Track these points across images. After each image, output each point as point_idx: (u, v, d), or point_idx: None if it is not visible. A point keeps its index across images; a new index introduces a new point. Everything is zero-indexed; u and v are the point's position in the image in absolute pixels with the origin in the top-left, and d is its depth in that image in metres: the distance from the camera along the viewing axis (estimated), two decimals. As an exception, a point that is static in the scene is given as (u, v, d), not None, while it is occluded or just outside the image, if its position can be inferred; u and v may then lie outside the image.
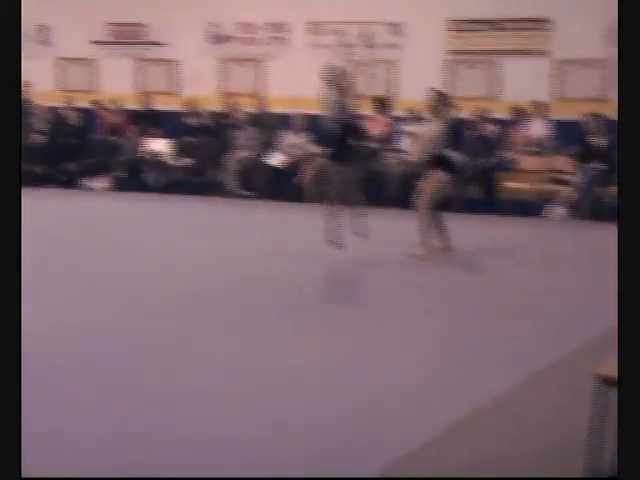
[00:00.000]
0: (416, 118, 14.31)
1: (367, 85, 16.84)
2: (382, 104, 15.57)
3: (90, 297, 8.09)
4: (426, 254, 10.06)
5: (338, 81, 10.19)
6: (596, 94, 15.22)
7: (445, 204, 10.76)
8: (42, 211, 13.54)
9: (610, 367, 4.27)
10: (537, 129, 14.86)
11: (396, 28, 16.61)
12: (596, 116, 13.69)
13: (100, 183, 16.03)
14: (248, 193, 15.42)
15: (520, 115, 15.03)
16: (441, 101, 10.29)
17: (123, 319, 7.37)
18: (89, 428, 5.00)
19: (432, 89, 10.64)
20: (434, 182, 10.19)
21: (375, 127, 15.36)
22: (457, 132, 14.45)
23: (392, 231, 11.37)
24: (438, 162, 10.20)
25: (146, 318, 7.42)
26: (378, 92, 16.29)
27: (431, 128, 10.16)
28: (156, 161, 15.96)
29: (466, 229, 10.70)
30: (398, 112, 15.58)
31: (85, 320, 7.30)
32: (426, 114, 10.51)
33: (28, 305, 7.50)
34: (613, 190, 13.15)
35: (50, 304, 7.80)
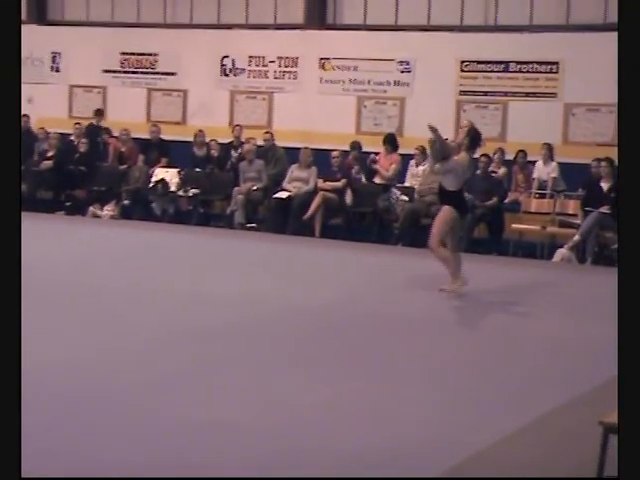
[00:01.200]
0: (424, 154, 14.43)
1: (376, 122, 16.95)
2: (393, 142, 15.62)
3: (90, 326, 8.04)
4: (457, 288, 10.04)
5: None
6: (605, 138, 15.28)
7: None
8: (48, 236, 13.57)
9: (614, 415, 4.26)
10: (545, 172, 14.89)
11: (407, 66, 16.69)
12: (604, 160, 13.71)
13: (107, 211, 16.05)
14: (254, 225, 15.44)
15: (521, 158, 15.07)
16: (475, 137, 10.18)
17: (121, 351, 7.35)
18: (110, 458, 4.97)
19: (469, 122, 10.57)
20: (444, 216, 10.09)
21: (386, 164, 15.42)
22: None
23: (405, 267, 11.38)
24: (454, 197, 10.11)
25: (147, 352, 7.39)
26: (388, 129, 16.37)
27: (459, 162, 10.01)
28: (163, 191, 15.98)
29: (471, 269, 10.66)
30: (407, 149, 15.62)
31: (82, 349, 7.28)
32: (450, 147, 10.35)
33: (32, 332, 7.54)
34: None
35: (54, 331, 7.77)
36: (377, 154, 15.69)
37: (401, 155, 15.63)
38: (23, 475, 3.63)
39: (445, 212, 10.06)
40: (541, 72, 15.88)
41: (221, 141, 16.79)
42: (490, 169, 14.67)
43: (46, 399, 5.86)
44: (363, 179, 15.47)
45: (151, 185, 16.18)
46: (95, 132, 17.65)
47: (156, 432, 5.39)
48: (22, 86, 18.80)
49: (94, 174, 16.88)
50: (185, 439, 5.26)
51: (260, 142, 16.38)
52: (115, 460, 4.91)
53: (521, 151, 15.09)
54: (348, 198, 15.12)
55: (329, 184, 15.12)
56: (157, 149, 17.04)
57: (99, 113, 18.04)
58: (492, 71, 16.18)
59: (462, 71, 16.33)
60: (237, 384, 6.46)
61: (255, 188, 15.61)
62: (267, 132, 16.69)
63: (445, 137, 10.54)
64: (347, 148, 15.85)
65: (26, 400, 5.46)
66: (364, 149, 15.89)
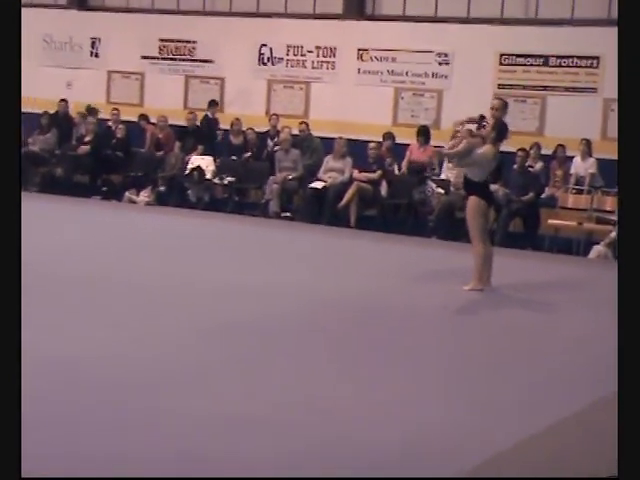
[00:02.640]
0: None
1: (413, 114, 16.90)
2: (427, 134, 15.57)
3: (120, 317, 8.03)
4: (476, 286, 9.96)
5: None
6: (644, 135, 15.13)
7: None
8: (84, 220, 13.65)
9: None
10: (583, 167, 14.78)
11: (446, 58, 16.61)
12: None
13: (142, 197, 16.12)
14: (289, 215, 15.45)
15: (560, 153, 14.97)
16: (501, 129, 10.13)
17: (157, 342, 7.37)
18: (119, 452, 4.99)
19: (500, 102, 10.48)
20: (471, 207, 10.03)
21: (421, 156, 15.36)
22: (502, 166, 14.45)
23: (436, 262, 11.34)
24: (479, 188, 10.07)
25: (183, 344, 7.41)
26: (424, 121, 16.31)
27: (484, 154, 9.97)
28: (199, 178, 16.03)
29: (506, 264, 10.60)
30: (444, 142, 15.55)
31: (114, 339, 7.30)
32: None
33: (69, 324, 7.57)
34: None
35: (85, 324, 7.79)
36: (408, 145, 15.65)
37: (437, 147, 15.56)
38: (23, 475, 3.61)
39: (472, 202, 10.00)
40: (581, 67, 15.76)
41: (258, 130, 16.80)
42: (527, 164, 14.58)
43: (68, 392, 5.86)
44: (396, 170, 15.42)
45: (187, 172, 16.23)
46: (210, 124, 17.27)
47: (176, 427, 5.37)
48: (61, 71, 19.10)
49: (131, 160, 16.97)
50: (202, 434, 5.24)
51: (295, 132, 16.37)
52: (130, 454, 4.89)
53: (560, 145, 14.98)
54: (383, 189, 15.10)
55: (364, 175, 15.09)
56: (194, 136, 17.08)
57: (213, 104, 17.62)
58: (531, 65, 16.08)
59: (501, 64, 16.23)
60: (261, 377, 6.42)
61: (290, 177, 15.62)
62: (302, 122, 16.69)
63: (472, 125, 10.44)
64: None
65: (53, 391, 5.50)
66: (400, 141, 15.85)
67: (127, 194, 16.30)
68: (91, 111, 17.87)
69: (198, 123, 17.22)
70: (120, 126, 17.30)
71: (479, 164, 9.95)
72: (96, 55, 19.34)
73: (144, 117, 17.88)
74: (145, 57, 18.93)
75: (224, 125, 17.25)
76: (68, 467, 4.51)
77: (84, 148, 17.07)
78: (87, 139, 17.23)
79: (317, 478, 4.67)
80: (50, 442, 4.83)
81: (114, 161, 16.98)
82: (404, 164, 15.54)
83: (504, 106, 10.21)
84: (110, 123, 17.73)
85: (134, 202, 16.12)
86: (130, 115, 17.87)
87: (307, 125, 16.56)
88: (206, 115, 17.44)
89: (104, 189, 16.79)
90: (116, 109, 17.91)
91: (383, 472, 4.85)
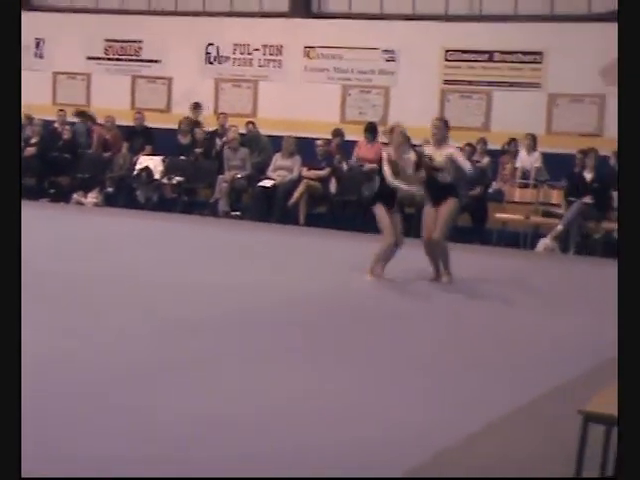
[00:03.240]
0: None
1: (361, 111, 16.97)
2: (374, 131, 15.61)
3: (75, 318, 8.00)
4: (450, 279, 10.20)
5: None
6: (588, 129, 15.35)
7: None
8: (32, 224, 13.52)
9: (595, 404, 4.29)
10: (528, 161, 14.95)
11: (392, 55, 16.70)
12: (588, 151, 13.77)
13: (90, 198, 16.02)
14: (238, 214, 15.44)
15: (512, 147, 15.13)
16: (446, 129, 10.37)
17: (114, 342, 7.34)
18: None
19: (439, 118, 10.71)
20: (451, 208, 10.26)
21: (368, 153, 15.41)
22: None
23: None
24: (451, 189, 10.28)
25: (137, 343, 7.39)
26: (372, 118, 16.37)
27: (443, 154, 10.17)
28: (147, 178, 15.96)
29: (454, 258, 10.71)
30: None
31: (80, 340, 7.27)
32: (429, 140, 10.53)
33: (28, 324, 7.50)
34: (601, 225, 13.24)
35: (38, 322, 7.74)
36: (356, 142, 15.71)
37: (384, 144, 15.63)
38: (23, 475, 3.62)
39: (451, 204, 10.22)
40: (525, 62, 15.93)
41: (206, 129, 16.76)
42: (474, 158, 14.70)
43: (41, 395, 5.84)
44: (345, 167, 15.47)
45: (135, 173, 16.15)
46: (193, 127, 16.79)
47: (154, 427, 5.36)
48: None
49: (78, 161, 16.84)
50: (182, 434, 5.25)
51: (243, 130, 16.37)
52: (112, 455, 4.90)
53: (513, 139, 15.12)
54: (332, 186, 15.14)
55: (313, 172, 15.13)
56: (141, 137, 17.01)
57: (197, 107, 17.20)
58: (476, 60, 16.22)
59: (447, 60, 16.36)
60: (225, 377, 6.42)
61: (239, 176, 15.61)
62: (250, 122, 16.68)
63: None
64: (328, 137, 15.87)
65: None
66: (349, 138, 15.90)
67: (75, 196, 16.18)
68: (84, 116, 17.58)
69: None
70: (66, 127, 17.16)
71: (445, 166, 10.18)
72: (41, 56, 19.17)
73: (82, 114, 17.69)
74: (91, 58, 18.81)
75: (172, 125, 17.16)
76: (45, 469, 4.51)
77: (30, 150, 16.91)
78: (33, 141, 17.08)
79: (308, 478, 4.69)
80: (33, 443, 4.84)
81: (61, 163, 16.84)
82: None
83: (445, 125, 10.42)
84: (56, 124, 17.58)
85: (82, 204, 16.02)
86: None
87: (254, 124, 16.56)
88: (188, 117, 17.04)
89: (52, 191, 16.66)
90: (62, 110, 17.77)
91: (370, 472, 4.87)
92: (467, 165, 10.31)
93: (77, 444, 4.97)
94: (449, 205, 10.24)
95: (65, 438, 5.06)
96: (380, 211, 10.27)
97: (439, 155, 10.17)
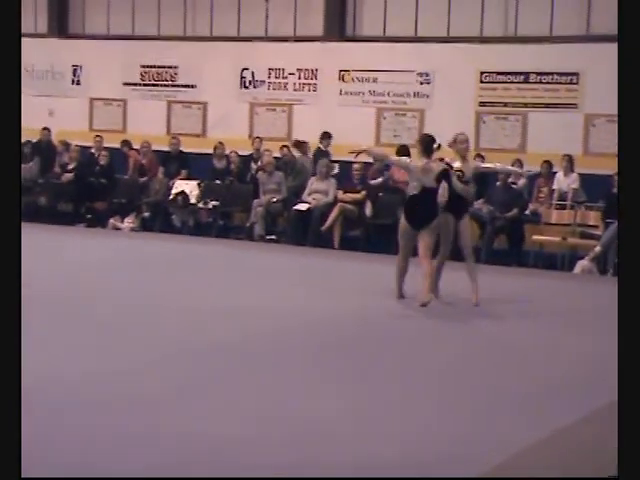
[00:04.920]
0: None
1: (396, 134, 16.94)
2: (406, 153, 15.54)
3: (108, 339, 8.05)
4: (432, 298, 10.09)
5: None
6: (626, 149, 15.20)
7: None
8: (68, 248, 13.62)
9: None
10: (565, 183, 14.82)
11: (427, 77, 16.68)
12: (625, 171, 13.62)
13: (127, 223, 16.10)
14: (274, 237, 15.44)
15: (549, 168, 15.02)
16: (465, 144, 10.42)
17: (144, 365, 7.35)
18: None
19: (462, 133, 10.67)
20: (468, 226, 10.29)
21: (402, 175, 15.34)
22: (485, 183, 14.49)
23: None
24: (465, 206, 10.29)
25: (168, 365, 7.39)
26: (407, 141, 16.33)
27: (471, 168, 10.22)
28: (183, 203, 16.02)
29: (491, 280, 10.62)
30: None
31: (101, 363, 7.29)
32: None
33: (54, 345, 7.56)
34: None
35: (74, 345, 7.79)
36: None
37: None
38: (23, 475, 3.64)
39: (468, 222, 10.21)
40: (561, 83, 15.84)
41: (241, 153, 16.80)
42: (510, 180, 14.62)
43: (52, 410, 5.88)
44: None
45: (171, 197, 16.22)
46: (292, 163, 16.36)
47: (164, 445, 5.38)
48: (43, 99, 19.10)
49: (114, 186, 16.94)
50: (192, 452, 5.25)
51: (277, 154, 16.38)
52: (117, 470, 4.91)
53: (546, 162, 15.02)
54: (368, 210, 15.10)
55: (349, 196, 15.11)
56: (177, 161, 17.08)
57: (327, 137, 16.70)
58: (512, 82, 16.16)
59: (482, 82, 16.31)
60: (254, 398, 6.44)
61: (275, 200, 15.62)
62: (284, 146, 16.67)
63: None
64: (368, 160, 15.83)
65: (31, 410, 5.51)
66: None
67: (111, 221, 16.27)
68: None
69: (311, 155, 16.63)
70: (103, 153, 17.27)
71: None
72: (78, 83, 19.36)
73: (127, 143, 17.87)
74: (127, 83, 18.97)
75: (207, 149, 17.23)
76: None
77: (67, 176, 17.05)
78: (70, 167, 17.21)
79: (315, 478, 4.68)
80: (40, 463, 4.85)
81: (98, 188, 16.95)
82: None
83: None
84: (93, 150, 17.71)
85: (118, 229, 16.10)
86: (113, 142, 17.84)
87: (288, 148, 16.57)
88: (318, 147, 16.73)
89: (88, 217, 16.75)
90: (99, 136, 17.90)
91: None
92: (518, 170, 10.26)
93: (88, 467, 4.96)
94: (466, 224, 10.25)
95: (80, 462, 5.05)
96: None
97: (467, 169, 10.25)
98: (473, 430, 5.93)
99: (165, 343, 7.94)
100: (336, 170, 15.81)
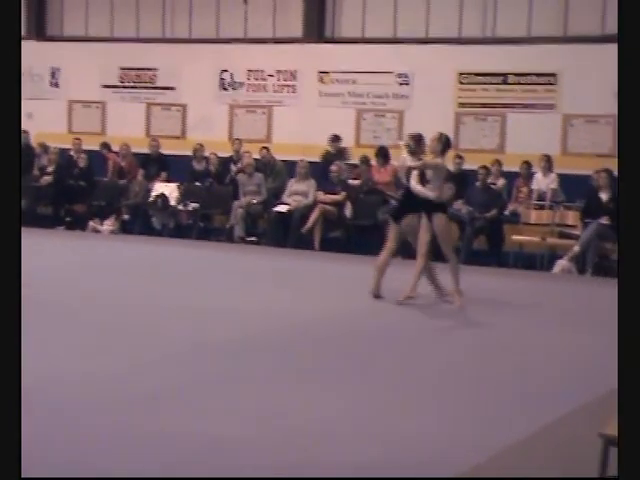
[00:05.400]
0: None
1: (375, 135, 16.97)
2: (385, 155, 15.60)
3: (92, 342, 8.04)
4: (460, 300, 10.15)
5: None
6: (604, 149, 15.29)
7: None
8: (48, 252, 13.57)
9: (613, 427, 4.24)
10: (544, 183, 14.89)
11: (406, 79, 16.72)
12: (604, 172, 13.71)
13: (106, 225, 16.06)
14: (254, 239, 15.44)
15: (527, 168, 15.09)
16: (445, 143, 10.37)
17: (125, 368, 7.34)
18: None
19: (439, 133, 10.68)
20: (446, 223, 10.28)
21: (381, 177, 15.41)
22: (464, 184, 14.56)
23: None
24: (441, 204, 10.30)
25: (153, 368, 7.38)
26: (387, 142, 16.38)
27: (437, 168, 10.22)
28: (163, 205, 15.99)
29: (471, 281, 10.67)
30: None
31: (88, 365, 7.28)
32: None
33: (34, 349, 7.53)
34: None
35: (57, 345, 7.77)
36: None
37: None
38: (23, 475, 3.65)
39: (441, 220, 10.19)
40: (539, 84, 15.91)
41: (221, 155, 16.80)
42: (489, 181, 14.68)
43: (52, 410, 5.88)
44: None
45: (151, 200, 16.19)
46: (335, 159, 16.08)
47: (164, 445, 5.40)
48: (22, 102, 18.99)
49: (94, 189, 16.90)
50: (187, 453, 5.27)
51: (257, 156, 16.38)
52: (118, 470, 4.92)
53: (525, 162, 15.09)
54: (348, 211, 15.13)
55: (328, 197, 15.13)
56: (156, 163, 17.06)
57: (335, 139, 16.47)
58: (490, 83, 16.21)
59: (460, 83, 16.36)
60: (237, 399, 6.44)
61: (255, 202, 15.62)
62: (263, 147, 16.67)
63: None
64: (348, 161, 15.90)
65: (31, 410, 5.50)
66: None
67: (91, 223, 16.23)
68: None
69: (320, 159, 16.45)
70: (82, 155, 17.22)
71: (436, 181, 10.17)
72: (56, 85, 19.29)
73: (106, 146, 17.83)
74: (106, 86, 18.90)
75: (187, 151, 17.20)
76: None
77: (46, 179, 17.00)
78: (49, 169, 17.16)
79: (315, 478, 4.69)
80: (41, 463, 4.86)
81: (77, 191, 16.90)
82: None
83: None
84: (72, 153, 17.65)
85: (98, 231, 16.06)
86: (92, 144, 17.80)
87: (268, 149, 16.57)
88: (327, 151, 16.54)
89: (68, 219, 16.71)
90: (78, 139, 17.85)
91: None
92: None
93: (88, 467, 4.97)
94: (438, 222, 10.26)
95: (81, 462, 5.06)
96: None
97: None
98: (461, 431, 5.96)
99: (155, 344, 7.95)
100: (347, 174, 15.70)
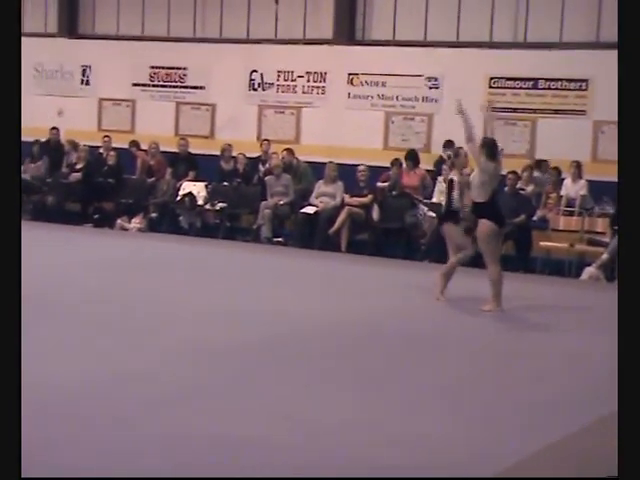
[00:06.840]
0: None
1: (404, 138, 16.93)
2: (415, 158, 15.55)
3: (116, 340, 8.06)
4: (495, 308, 10.10)
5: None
6: (634, 156, 15.17)
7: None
8: (75, 248, 13.64)
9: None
10: (574, 189, 14.80)
11: (436, 82, 16.67)
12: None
13: (134, 223, 16.11)
14: (280, 240, 15.44)
15: (557, 174, 14.99)
16: (494, 148, 10.34)
17: (151, 365, 7.35)
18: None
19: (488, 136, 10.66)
20: (488, 230, 10.20)
21: (411, 180, 15.37)
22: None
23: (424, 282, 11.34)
24: (487, 209, 10.24)
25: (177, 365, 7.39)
26: (415, 145, 16.33)
27: (481, 173, 10.17)
28: (190, 204, 16.03)
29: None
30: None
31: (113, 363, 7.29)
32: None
33: (58, 346, 7.56)
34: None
35: (77, 345, 7.79)
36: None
37: (428, 171, 15.60)
38: (23, 475, 3.66)
39: (483, 227, 10.14)
40: (570, 89, 15.81)
41: (249, 155, 16.81)
42: (518, 186, 14.60)
43: (52, 411, 5.90)
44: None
45: (178, 198, 16.23)
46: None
47: (165, 446, 5.40)
48: (52, 99, 19.10)
49: (122, 187, 16.95)
50: (192, 452, 5.27)
51: (287, 157, 16.36)
52: (118, 470, 4.92)
53: (555, 168, 15.01)
54: (375, 214, 15.10)
55: (356, 199, 15.11)
56: (185, 163, 17.09)
57: (449, 145, 15.06)
58: (521, 88, 16.13)
59: (490, 87, 16.29)
60: (258, 400, 6.44)
61: (282, 203, 15.62)
62: (286, 149, 16.62)
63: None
64: (375, 163, 15.84)
65: (31, 410, 5.53)
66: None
67: (119, 221, 16.29)
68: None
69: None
70: (111, 153, 17.29)
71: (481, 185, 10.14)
72: (87, 83, 19.37)
73: (135, 144, 17.88)
74: (136, 84, 18.97)
75: (215, 151, 17.22)
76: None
77: (75, 176, 17.08)
78: (78, 167, 17.24)
79: (320, 478, 4.69)
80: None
81: (105, 188, 16.96)
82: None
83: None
84: (101, 150, 17.72)
85: (126, 229, 16.11)
86: (121, 142, 17.85)
87: (291, 151, 16.52)
88: (440, 156, 15.77)
89: (96, 217, 16.76)
90: (107, 136, 17.91)
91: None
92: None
93: (88, 467, 4.97)
94: (480, 229, 10.24)
95: (81, 462, 5.05)
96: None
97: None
98: (479, 435, 5.93)
99: (176, 345, 7.96)
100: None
